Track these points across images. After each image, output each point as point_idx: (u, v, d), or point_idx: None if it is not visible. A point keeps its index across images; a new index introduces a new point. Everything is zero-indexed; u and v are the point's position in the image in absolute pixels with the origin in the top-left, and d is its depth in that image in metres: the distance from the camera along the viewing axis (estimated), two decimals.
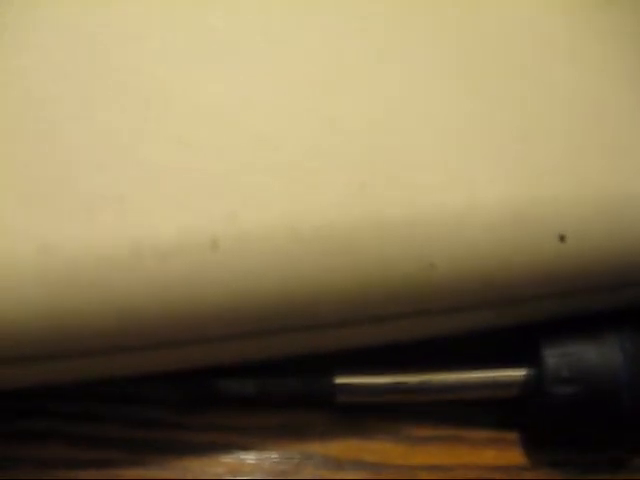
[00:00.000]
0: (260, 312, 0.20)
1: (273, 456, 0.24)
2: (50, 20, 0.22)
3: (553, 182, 0.21)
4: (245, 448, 0.24)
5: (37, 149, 0.20)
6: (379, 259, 0.20)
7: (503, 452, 0.24)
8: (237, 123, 0.21)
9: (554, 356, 0.22)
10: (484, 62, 0.22)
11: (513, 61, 0.22)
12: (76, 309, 0.20)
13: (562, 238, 0.20)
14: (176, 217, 0.20)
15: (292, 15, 0.22)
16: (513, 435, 0.24)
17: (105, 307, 0.20)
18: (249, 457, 0.24)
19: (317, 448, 0.24)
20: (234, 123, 0.21)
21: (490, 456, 0.24)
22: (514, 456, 0.24)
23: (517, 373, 0.23)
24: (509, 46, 0.22)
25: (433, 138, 0.21)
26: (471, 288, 0.21)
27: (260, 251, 0.20)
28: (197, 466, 0.23)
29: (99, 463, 0.23)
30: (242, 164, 0.20)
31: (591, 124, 0.21)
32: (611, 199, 0.21)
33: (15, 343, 0.20)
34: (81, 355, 0.21)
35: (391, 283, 0.20)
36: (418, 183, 0.20)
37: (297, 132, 0.21)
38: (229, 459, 0.23)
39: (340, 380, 0.23)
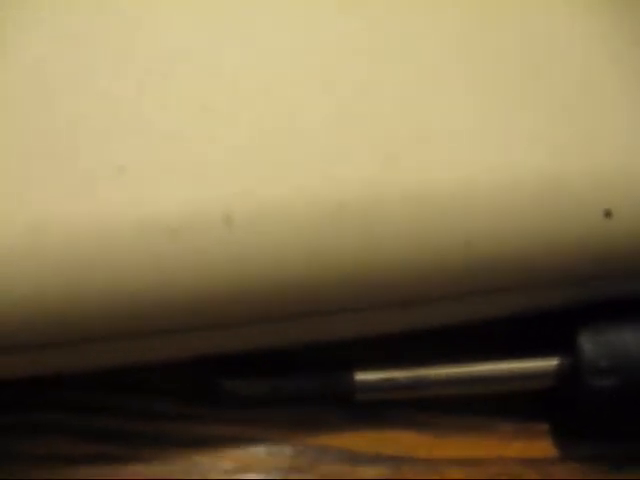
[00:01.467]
0: (278, 294, 0.18)
1: (286, 450, 0.22)
2: None
3: (598, 152, 0.19)
4: (256, 442, 0.22)
5: (28, 114, 0.18)
6: (409, 237, 0.18)
7: (532, 444, 0.23)
8: (253, 90, 0.19)
9: (592, 344, 0.21)
10: (519, 38, 0.20)
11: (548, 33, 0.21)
12: (74, 293, 0.18)
13: (608, 214, 0.19)
14: (185, 190, 0.18)
15: None
16: (542, 426, 0.23)
17: (107, 290, 0.18)
18: (260, 451, 0.22)
19: (333, 441, 0.22)
20: (249, 90, 0.19)
21: (518, 448, 0.22)
22: (544, 448, 0.22)
23: (550, 363, 0.21)
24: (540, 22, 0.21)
25: (468, 106, 0.19)
26: (509, 269, 0.19)
27: (278, 227, 0.18)
28: (205, 461, 0.22)
29: (100, 458, 0.21)
30: (258, 133, 0.18)
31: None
32: None
33: (8, 330, 0.18)
34: (81, 343, 0.19)
35: (422, 264, 0.18)
36: (452, 153, 0.18)
37: (318, 101, 0.19)
38: (239, 454, 0.22)
39: (360, 377, 0.21)
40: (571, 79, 0.20)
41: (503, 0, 0.21)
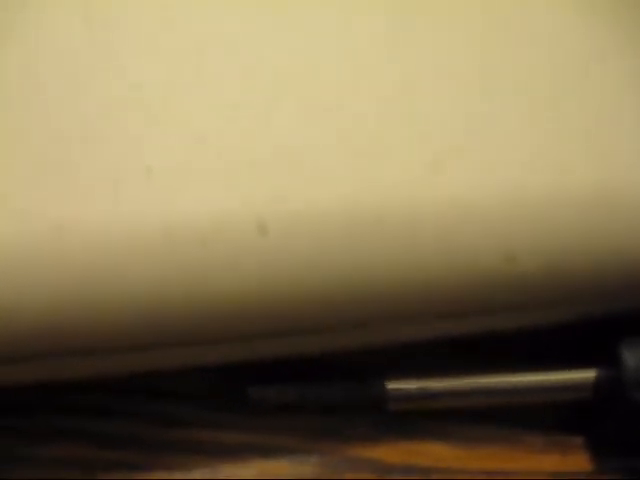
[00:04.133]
0: (314, 305, 0.18)
1: (311, 459, 0.21)
2: None
3: None
4: (280, 450, 0.21)
5: (49, 110, 0.17)
6: (451, 249, 0.17)
7: (566, 457, 0.22)
8: (288, 89, 0.18)
9: (636, 357, 0.20)
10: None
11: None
12: (98, 299, 0.17)
13: None
14: (217, 196, 0.17)
15: None
16: (577, 439, 0.22)
17: (132, 298, 0.17)
18: (284, 460, 0.21)
19: (360, 451, 0.21)
20: (285, 89, 0.18)
21: (552, 461, 0.22)
22: (579, 461, 0.22)
23: (589, 375, 0.20)
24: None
25: (517, 113, 0.18)
26: (554, 284, 0.18)
27: (315, 236, 0.17)
28: (227, 469, 0.21)
29: (120, 464, 0.21)
30: (295, 135, 0.17)
31: None
32: None
33: (32, 337, 0.17)
34: (102, 351, 0.18)
35: (463, 277, 0.18)
36: (500, 162, 0.18)
37: (359, 102, 0.18)
38: (262, 461, 0.21)
39: (392, 385, 0.20)
40: (618, 93, 0.19)
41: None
